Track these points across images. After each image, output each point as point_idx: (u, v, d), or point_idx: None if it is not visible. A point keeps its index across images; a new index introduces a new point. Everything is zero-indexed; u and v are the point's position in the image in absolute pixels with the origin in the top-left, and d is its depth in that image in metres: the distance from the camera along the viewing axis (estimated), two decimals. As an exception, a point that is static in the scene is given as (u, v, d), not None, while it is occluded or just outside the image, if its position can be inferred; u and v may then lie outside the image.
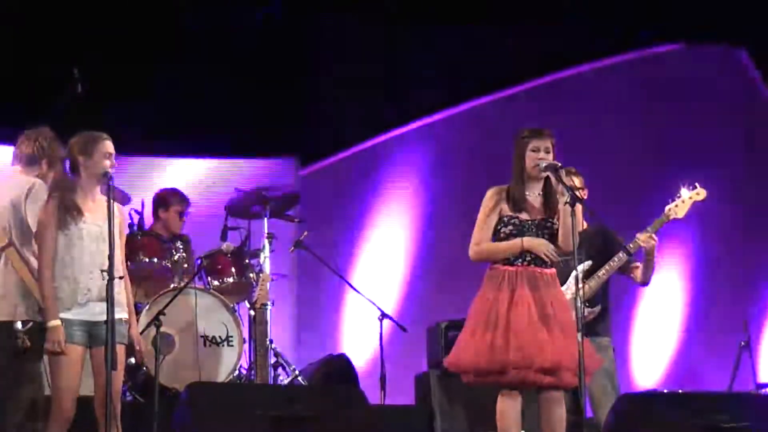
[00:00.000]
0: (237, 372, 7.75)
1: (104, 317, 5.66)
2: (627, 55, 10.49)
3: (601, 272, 6.68)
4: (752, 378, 8.64)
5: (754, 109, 10.61)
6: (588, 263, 6.62)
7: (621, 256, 6.67)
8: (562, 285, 6.32)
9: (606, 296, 6.80)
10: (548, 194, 6.07)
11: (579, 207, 6.06)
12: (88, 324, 5.78)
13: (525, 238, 5.98)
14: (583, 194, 6.78)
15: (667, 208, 6.73)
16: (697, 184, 6.78)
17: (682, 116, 10.48)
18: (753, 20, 9.95)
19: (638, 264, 6.77)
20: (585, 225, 6.86)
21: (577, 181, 6.76)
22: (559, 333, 5.90)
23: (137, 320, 7.35)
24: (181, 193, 8.39)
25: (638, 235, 6.64)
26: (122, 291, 5.86)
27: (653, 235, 6.63)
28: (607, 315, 6.80)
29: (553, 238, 6.06)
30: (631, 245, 6.66)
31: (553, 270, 6.07)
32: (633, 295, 8.13)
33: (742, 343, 8.61)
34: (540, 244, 5.98)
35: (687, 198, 6.72)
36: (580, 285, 5.86)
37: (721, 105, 10.51)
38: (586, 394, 6.14)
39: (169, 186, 8.61)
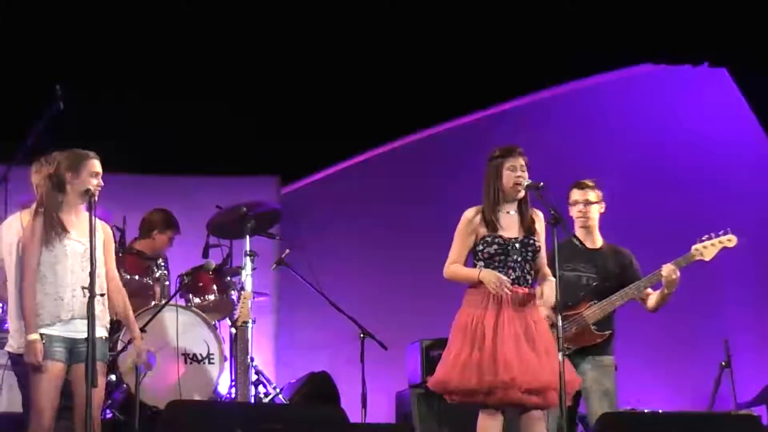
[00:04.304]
0: (217, 389, 7.74)
1: (86, 335, 5.68)
2: (608, 76, 10.53)
3: (614, 298, 6.60)
4: (732, 398, 8.63)
5: (739, 125, 10.64)
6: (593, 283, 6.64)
7: (639, 286, 6.59)
8: (571, 299, 6.40)
9: (613, 320, 6.74)
10: (523, 213, 6.11)
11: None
12: (69, 341, 5.82)
13: (483, 270, 5.96)
14: (601, 208, 6.78)
15: (694, 247, 6.56)
16: (728, 230, 6.57)
17: (670, 136, 10.52)
18: (733, 38, 10.00)
19: (651, 291, 6.69)
20: (601, 243, 6.84)
21: (593, 195, 6.77)
22: (544, 353, 5.92)
23: (118, 338, 7.39)
24: (175, 218, 8.38)
25: (663, 267, 6.50)
26: (104, 309, 5.91)
27: (677, 270, 6.48)
28: (611, 336, 6.72)
29: (536, 255, 6.10)
30: (652, 276, 6.55)
31: (535, 290, 6.08)
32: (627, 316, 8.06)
33: (723, 363, 8.60)
34: (490, 281, 5.92)
35: (717, 242, 6.53)
36: (559, 302, 5.88)
37: (707, 123, 10.56)
38: (572, 413, 6.16)
39: (151, 205, 8.57)
